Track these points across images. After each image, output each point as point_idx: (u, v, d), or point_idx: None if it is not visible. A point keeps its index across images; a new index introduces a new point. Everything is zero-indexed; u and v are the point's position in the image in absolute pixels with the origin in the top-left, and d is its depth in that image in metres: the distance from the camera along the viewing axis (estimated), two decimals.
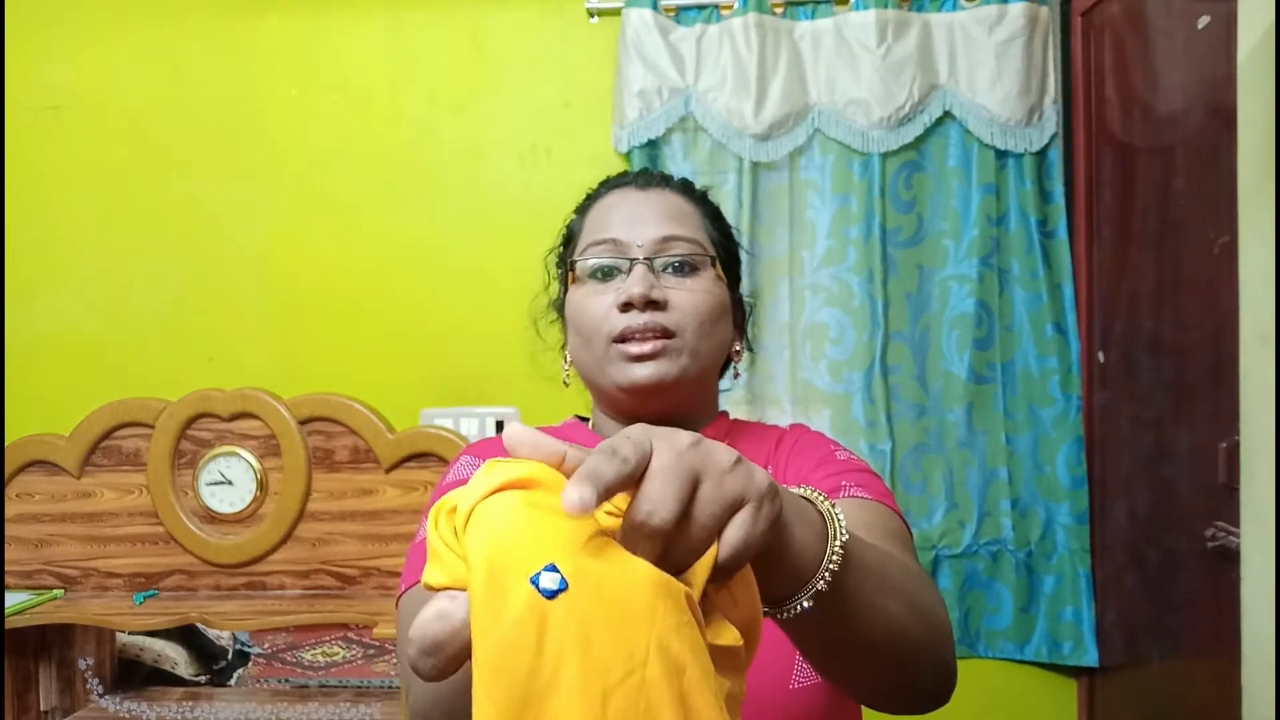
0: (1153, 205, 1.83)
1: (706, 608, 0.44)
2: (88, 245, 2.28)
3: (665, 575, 0.41)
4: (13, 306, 2.26)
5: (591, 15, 2.22)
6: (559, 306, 0.96)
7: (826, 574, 0.52)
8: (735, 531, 0.44)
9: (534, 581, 0.38)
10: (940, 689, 0.65)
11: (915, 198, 2.17)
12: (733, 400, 2.17)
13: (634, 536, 0.42)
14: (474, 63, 2.26)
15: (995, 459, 2.15)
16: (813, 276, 2.20)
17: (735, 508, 0.45)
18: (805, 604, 0.52)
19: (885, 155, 2.13)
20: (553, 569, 0.38)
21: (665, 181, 0.94)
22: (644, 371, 0.84)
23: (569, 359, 0.93)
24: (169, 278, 2.27)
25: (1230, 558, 1.45)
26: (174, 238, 2.27)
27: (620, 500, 0.44)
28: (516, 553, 0.39)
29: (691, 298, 0.86)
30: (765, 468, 0.76)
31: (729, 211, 2.17)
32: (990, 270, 2.15)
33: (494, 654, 0.38)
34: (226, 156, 2.27)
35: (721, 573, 0.44)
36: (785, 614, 0.53)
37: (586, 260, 0.88)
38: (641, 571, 0.40)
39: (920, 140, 2.15)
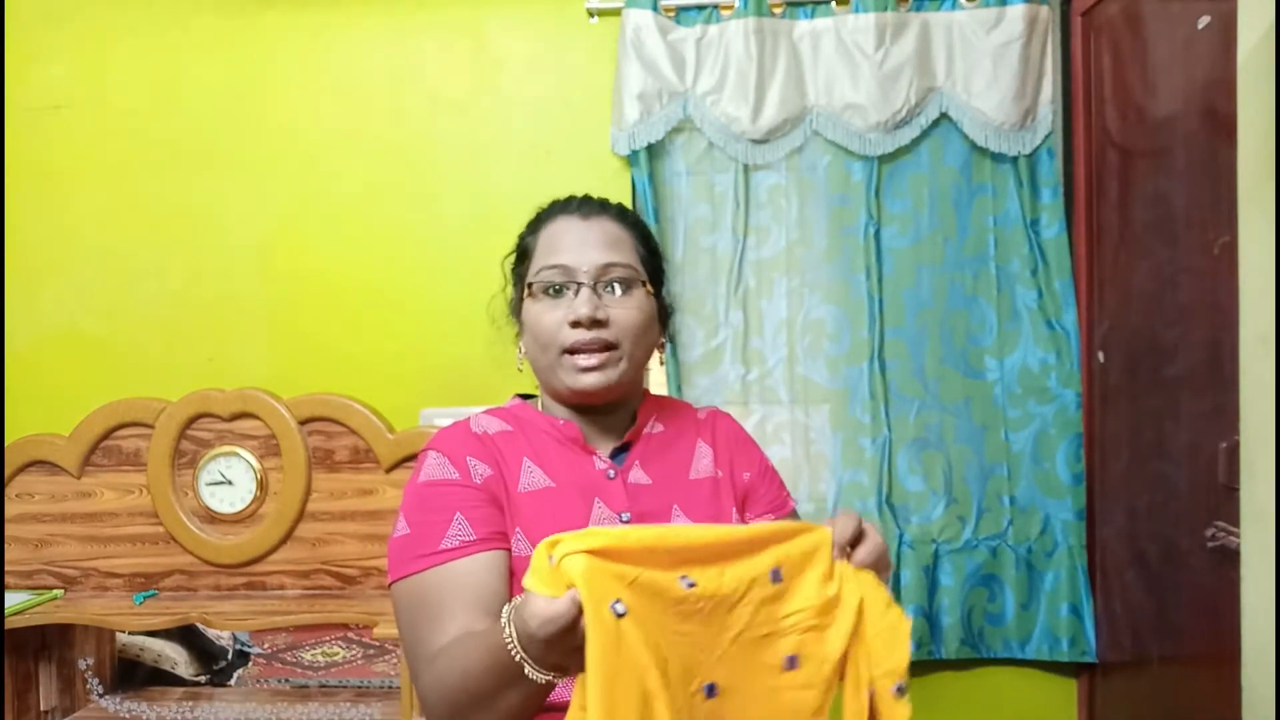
0: (1153, 204, 1.83)
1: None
2: (88, 245, 2.28)
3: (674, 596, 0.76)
4: (13, 306, 2.26)
5: (591, 15, 2.22)
6: (516, 310, 1.14)
7: None
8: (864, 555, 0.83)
9: (613, 608, 0.70)
10: None
11: (912, 197, 2.18)
12: (732, 397, 2.18)
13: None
14: (474, 63, 2.26)
15: (995, 455, 2.16)
16: (811, 274, 2.20)
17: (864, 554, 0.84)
18: None
19: (882, 156, 2.15)
20: (618, 602, 0.70)
21: (604, 209, 1.12)
22: (590, 379, 1.04)
23: (523, 351, 1.12)
24: (169, 278, 2.27)
25: (1230, 558, 1.45)
26: (174, 237, 2.27)
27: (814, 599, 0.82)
28: (602, 589, 0.70)
29: (627, 314, 1.06)
30: (696, 442, 1.14)
31: (727, 210, 2.19)
32: (988, 268, 2.16)
33: (597, 644, 0.69)
34: (226, 156, 2.27)
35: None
36: None
37: (541, 280, 1.07)
38: (648, 597, 0.73)
39: (917, 142, 2.15)
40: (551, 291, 1.06)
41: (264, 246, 2.26)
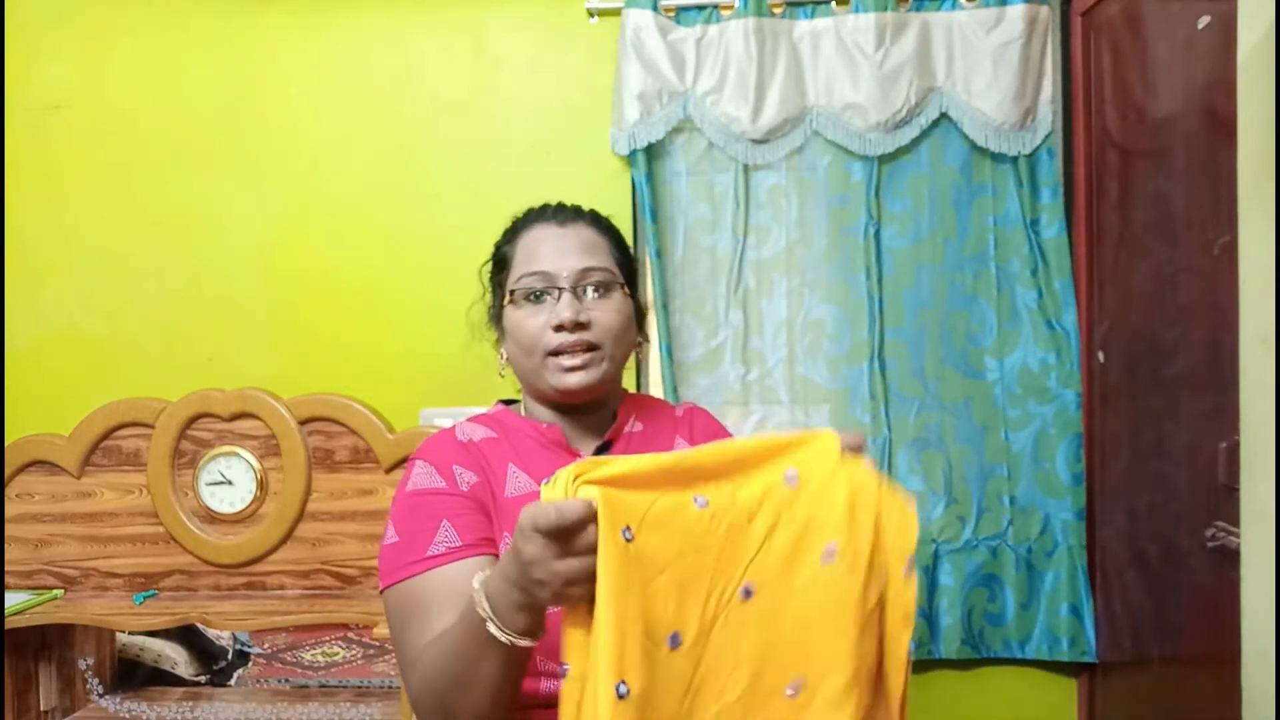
0: (1153, 204, 1.83)
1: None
2: (88, 245, 2.28)
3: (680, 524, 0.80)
4: (13, 306, 2.27)
5: (591, 15, 2.22)
6: (495, 317, 1.17)
7: None
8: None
9: (624, 533, 0.75)
10: None
11: (912, 197, 2.18)
12: (732, 397, 2.18)
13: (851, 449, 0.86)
14: (474, 63, 2.26)
15: (995, 455, 2.16)
16: (811, 274, 2.20)
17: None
18: None
19: (882, 156, 2.15)
20: (627, 529, 0.75)
21: (579, 216, 1.16)
22: (575, 379, 1.07)
23: (505, 356, 1.15)
24: (169, 278, 2.27)
25: (1230, 558, 1.45)
26: (174, 237, 2.27)
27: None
28: (614, 516, 0.74)
29: (607, 316, 1.09)
30: (675, 438, 1.16)
31: (727, 210, 2.19)
32: (988, 268, 2.16)
33: (612, 560, 0.73)
34: (227, 156, 2.27)
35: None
36: None
37: (523, 287, 1.10)
38: (661, 524, 0.78)
39: (917, 142, 2.15)
40: (533, 297, 1.09)
41: (264, 246, 2.26)
